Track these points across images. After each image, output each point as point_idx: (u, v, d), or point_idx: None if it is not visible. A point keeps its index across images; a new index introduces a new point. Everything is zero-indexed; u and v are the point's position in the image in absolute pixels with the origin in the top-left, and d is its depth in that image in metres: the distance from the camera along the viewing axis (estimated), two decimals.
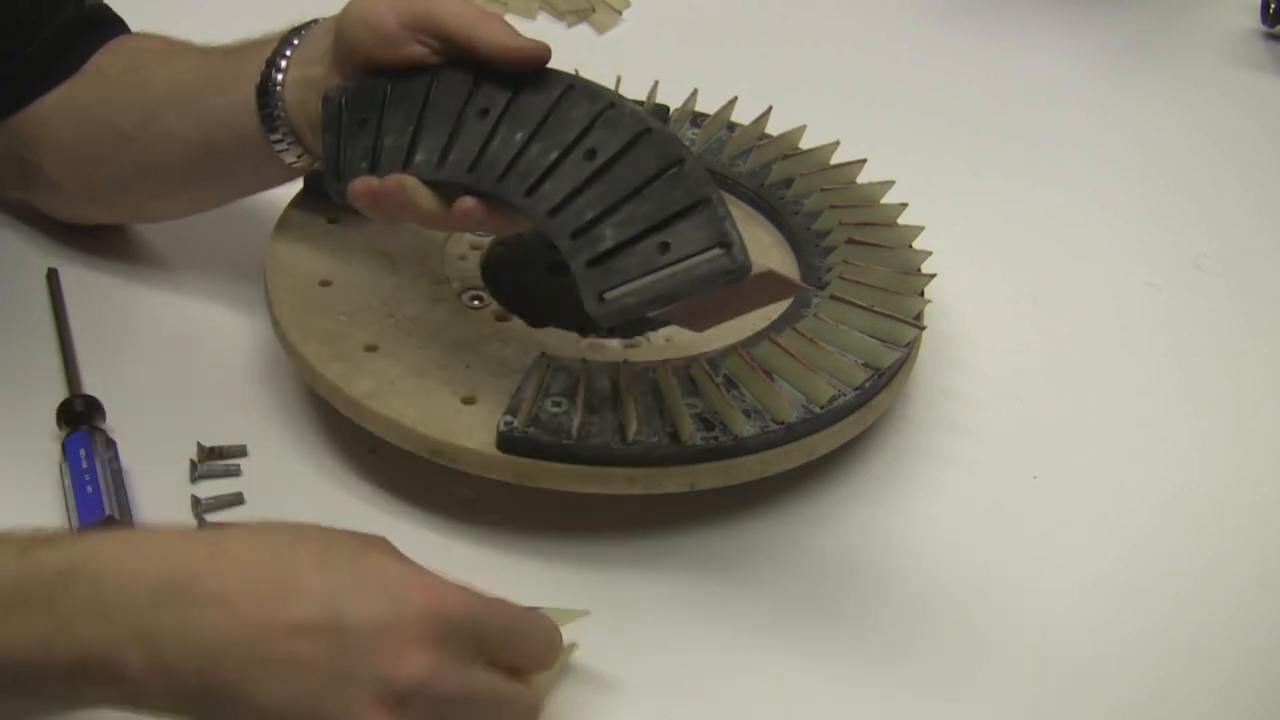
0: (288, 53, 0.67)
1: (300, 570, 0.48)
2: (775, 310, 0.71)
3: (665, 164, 0.58)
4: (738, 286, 0.55)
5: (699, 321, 0.61)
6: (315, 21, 0.69)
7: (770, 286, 0.59)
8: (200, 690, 0.46)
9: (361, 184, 0.62)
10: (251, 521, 0.51)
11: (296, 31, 0.68)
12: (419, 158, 0.63)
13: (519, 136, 0.61)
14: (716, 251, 0.54)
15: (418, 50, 0.64)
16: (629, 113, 0.60)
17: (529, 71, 0.62)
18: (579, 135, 0.61)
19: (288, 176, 0.72)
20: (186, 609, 0.47)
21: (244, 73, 0.68)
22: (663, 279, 0.54)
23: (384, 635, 0.47)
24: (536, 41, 0.62)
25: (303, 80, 0.67)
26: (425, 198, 0.62)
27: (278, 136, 0.68)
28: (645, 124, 0.59)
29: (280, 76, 0.67)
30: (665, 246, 0.55)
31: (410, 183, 0.62)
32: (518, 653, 0.52)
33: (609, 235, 0.57)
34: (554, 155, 0.60)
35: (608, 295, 0.55)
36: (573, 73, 0.63)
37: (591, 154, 0.60)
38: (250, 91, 0.67)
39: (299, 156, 0.69)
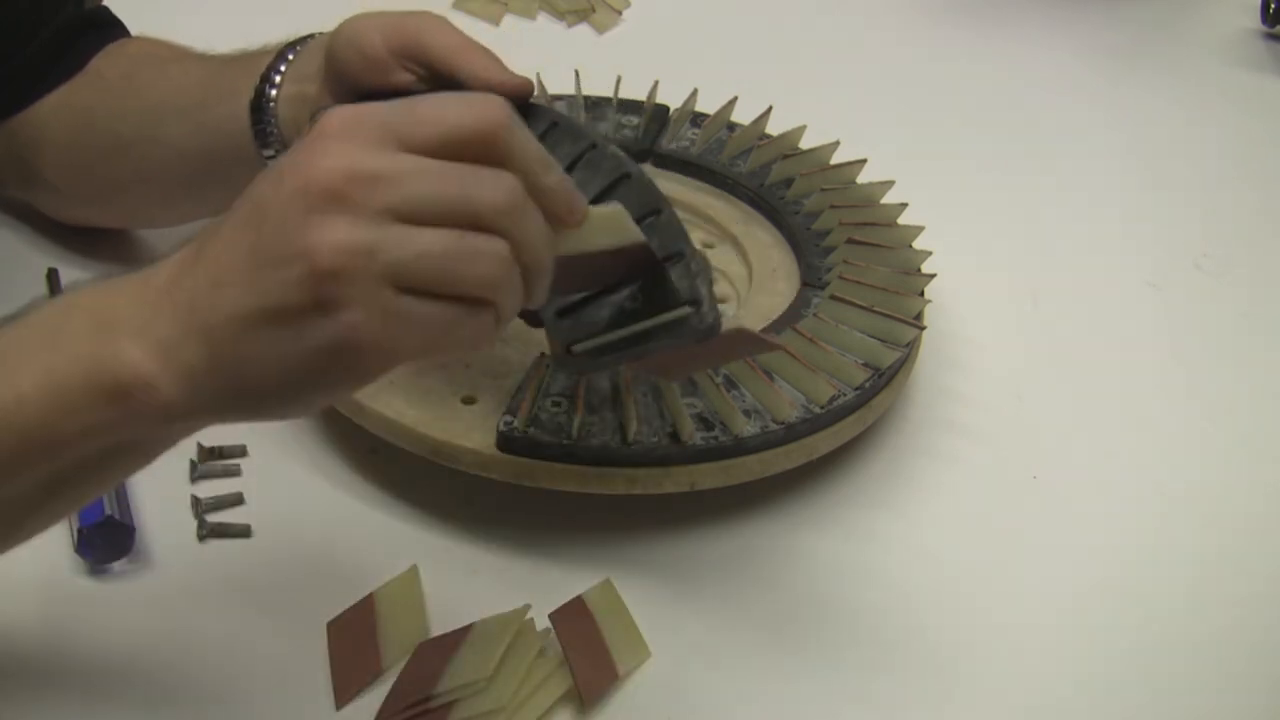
0: (282, 68, 0.67)
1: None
2: (775, 310, 0.72)
3: (642, 213, 0.57)
4: (708, 343, 0.55)
5: (668, 374, 0.61)
6: (312, 37, 0.68)
7: (741, 343, 0.59)
8: (203, 351, 0.45)
9: None
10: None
11: (292, 47, 0.68)
12: None
13: None
14: (685, 310, 0.54)
15: (404, 77, 0.63)
16: (610, 155, 0.60)
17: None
18: None
19: None
20: (161, 296, 0.46)
21: (241, 85, 0.68)
22: (632, 333, 0.54)
23: (288, 170, 0.45)
24: (520, 76, 0.62)
25: (297, 96, 0.66)
26: None
27: (271, 152, 0.67)
28: (625, 169, 0.59)
29: (274, 92, 0.67)
30: (635, 299, 0.54)
31: None
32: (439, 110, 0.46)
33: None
34: None
35: (575, 348, 0.55)
36: (556, 109, 0.63)
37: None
38: (246, 105, 0.67)
39: None
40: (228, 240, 0.46)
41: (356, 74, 0.63)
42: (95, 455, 0.47)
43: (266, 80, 0.67)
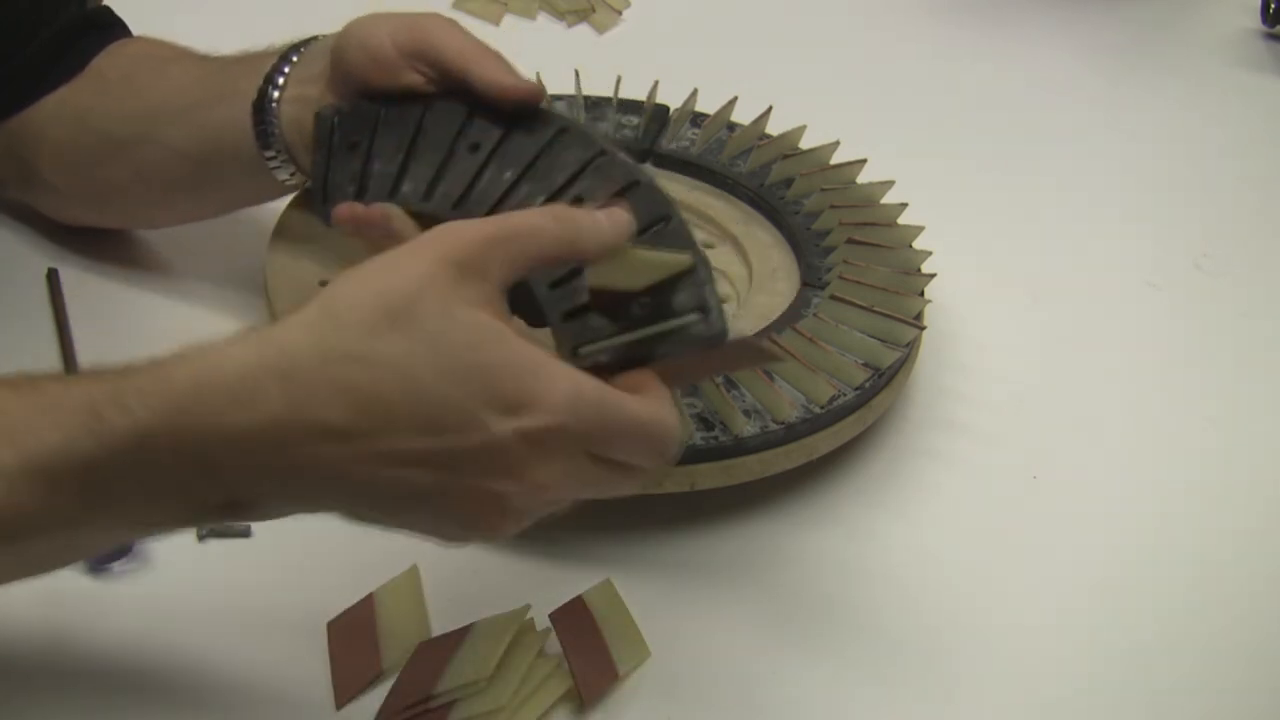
0: (286, 70, 0.67)
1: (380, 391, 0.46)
2: (775, 310, 0.72)
3: (651, 219, 0.58)
4: (712, 351, 0.55)
5: (671, 382, 0.61)
6: (316, 39, 0.68)
7: (746, 353, 0.59)
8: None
9: (347, 210, 0.61)
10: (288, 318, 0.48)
11: (296, 48, 0.68)
12: (406, 188, 0.63)
13: (508, 175, 0.61)
14: (694, 316, 0.54)
15: (413, 78, 0.63)
16: (620, 162, 0.60)
17: (522, 110, 0.62)
18: (568, 180, 0.60)
19: (282, 192, 0.71)
20: (284, 455, 0.45)
21: (242, 87, 0.68)
22: (637, 340, 0.54)
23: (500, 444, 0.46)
24: (531, 82, 0.62)
25: (300, 98, 0.66)
26: (409, 229, 0.61)
27: (272, 153, 0.67)
28: (635, 176, 0.59)
29: (277, 94, 0.67)
30: (644, 304, 0.55)
31: (395, 213, 0.60)
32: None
33: (588, 289, 0.57)
34: (541, 199, 0.60)
35: (581, 351, 0.55)
36: (568, 116, 0.63)
37: (578, 202, 0.60)
38: (247, 107, 0.67)
39: (291, 174, 0.69)
40: (412, 421, 0.46)
41: (364, 74, 0.63)
42: (121, 522, 0.48)
43: (270, 81, 0.67)
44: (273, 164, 0.68)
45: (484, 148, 0.62)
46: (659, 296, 0.54)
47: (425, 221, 0.61)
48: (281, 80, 0.67)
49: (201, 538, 0.63)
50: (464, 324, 0.46)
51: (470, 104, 0.63)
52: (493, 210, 0.61)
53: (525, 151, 0.62)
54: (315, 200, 0.65)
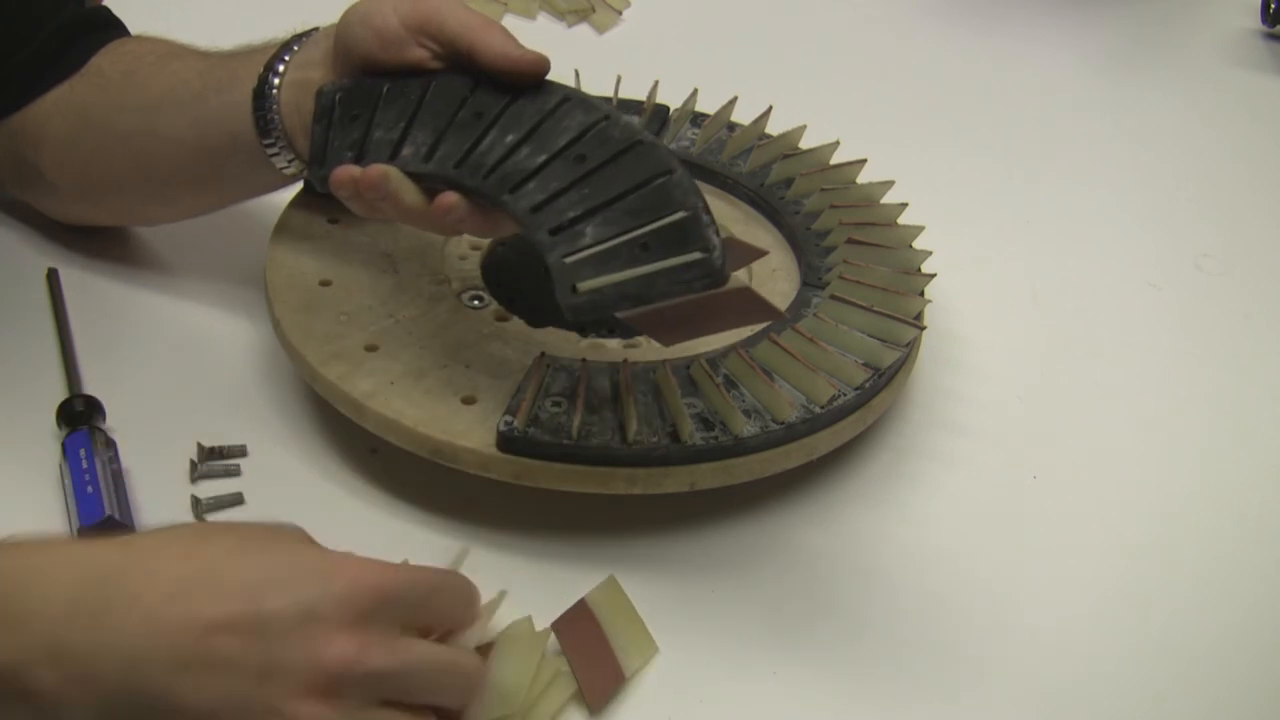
0: (287, 57, 0.67)
1: (215, 566, 0.48)
2: None
3: (654, 173, 0.58)
4: (713, 299, 0.55)
5: (669, 334, 0.61)
6: (317, 29, 0.68)
7: (745, 306, 0.59)
8: (126, 700, 0.46)
9: (344, 172, 0.62)
10: (160, 526, 0.51)
11: (298, 38, 0.68)
12: (406, 151, 0.62)
13: (510, 139, 0.61)
14: (697, 254, 0.54)
15: (419, 53, 0.64)
16: (623, 125, 0.60)
17: (529, 82, 0.62)
18: (570, 142, 0.60)
19: (282, 183, 0.72)
20: (101, 618, 0.46)
21: (241, 76, 0.68)
22: (639, 275, 0.54)
23: (304, 622, 0.47)
24: (537, 53, 0.62)
25: (300, 82, 0.67)
26: (408, 191, 0.61)
27: (270, 140, 0.68)
28: (638, 136, 0.59)
29: (277, 80, 0.67)
30: (645, 247, 0.55)
31: (394, 174, 0.61)
32: (440, 614, 0.52)
33: (589, 234, 0.57)
34: (542, 158, 0.60)
35: (580, 286, 0.54)
36: (571, 85, 0.63)
37: (581, 159, 0.60)
38: (247, 94, 0.67)
39: (290, 162, 0.69)
40: (212, 625, 0.47)
41: (370, 50, 0.64)
42: None
43: (270, 69, 0.67)
44: (271, 151, 0.68)
45: (487, 116, 0.62)
46: (662, 238, 0.54)
47: (425, 185, 0.61)
48: (282, 67, 0.67)
49: None
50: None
51: (475, 78, 0.63)
52: (492, 171, 0.61)
53: (528, 118, 0.62)
54: (311, 167, 0.64)
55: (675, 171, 0.58)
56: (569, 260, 0.56)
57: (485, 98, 0.63)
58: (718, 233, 0.55)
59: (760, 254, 0.63)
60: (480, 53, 0.62)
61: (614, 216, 0.57)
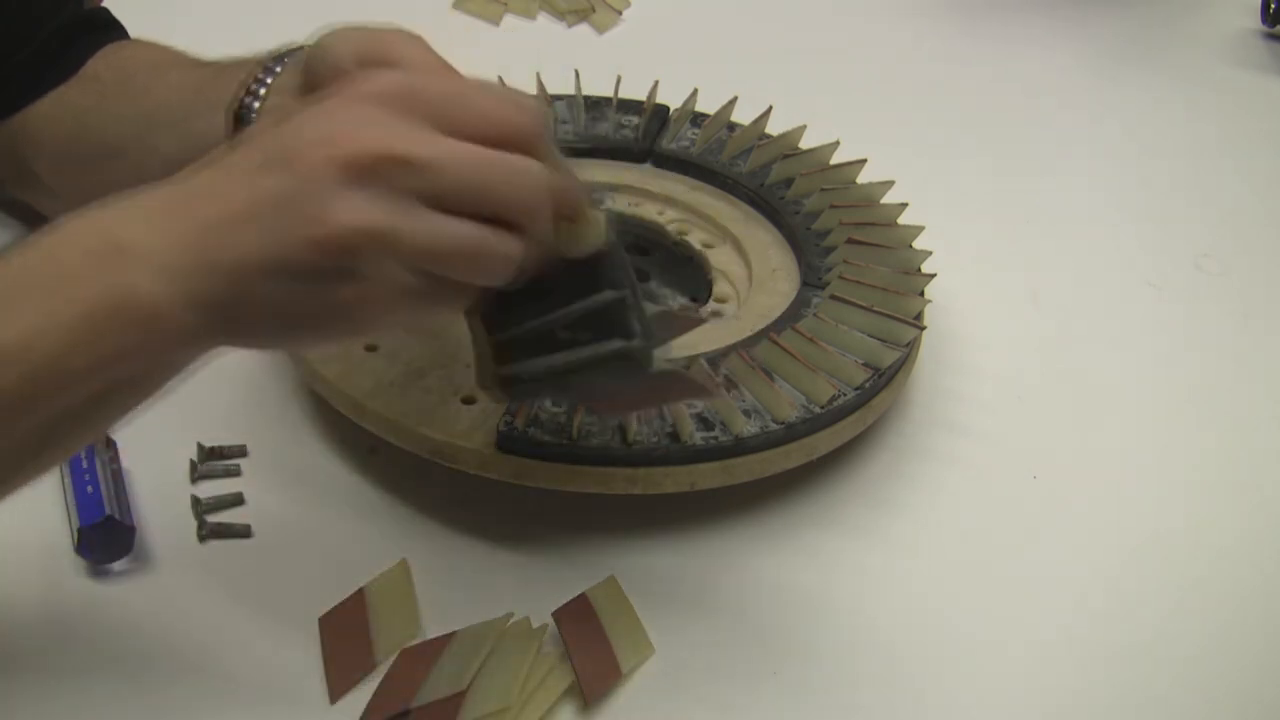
0: (269, 80, 0.67)
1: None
2: (775, 310, 0.72)
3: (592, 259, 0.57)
4: (644, 383, 0.55)
5: (613, 412, 0.61)
6: (300, 48, 0.68)
7: (679, 386, 0.59)
8: (208, 284, 0.46)
9: None
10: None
11: (279, 59, 0.67)
12: None
13: None
14: (619, 343, 0.54)
15: None
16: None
17: None
18: None
19: None
20: (153, 222, 0.47)
21: (229, 96, 0.67)
22: (560, 358, 0.54)
23: (324, 121, 0.47)
24: None
25: (278, 108, 0.66)
26: None
27: None
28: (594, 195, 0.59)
29: (257, 104, 0.66)
30: (573, 331, 0.54)
31: None
32: (487, 120, 0.49)
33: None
34: None
35: (502, 371, 0.54)
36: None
37: None
38: (231, 116, 0.67)
39: None
40: (247, 178, 0.47)
41: (325, 85, 0.63)
42: (100, 391, 0.47)
43: (250, 91, 0.66)
44: None
45: None
46: (588, 323, 0.54)
47: None
48: (262, 91, 0.66)
49: (202, 538, 0.63)
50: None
51: None
52: None
53: None
54: None
55: (611, 252, 0.55)
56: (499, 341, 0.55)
57: None
58: (642, 317, 0.54)
59: (697, 324, 0.63)
60: None
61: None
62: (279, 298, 0.47)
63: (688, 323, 0.61)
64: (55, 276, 0.46)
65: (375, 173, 0.46)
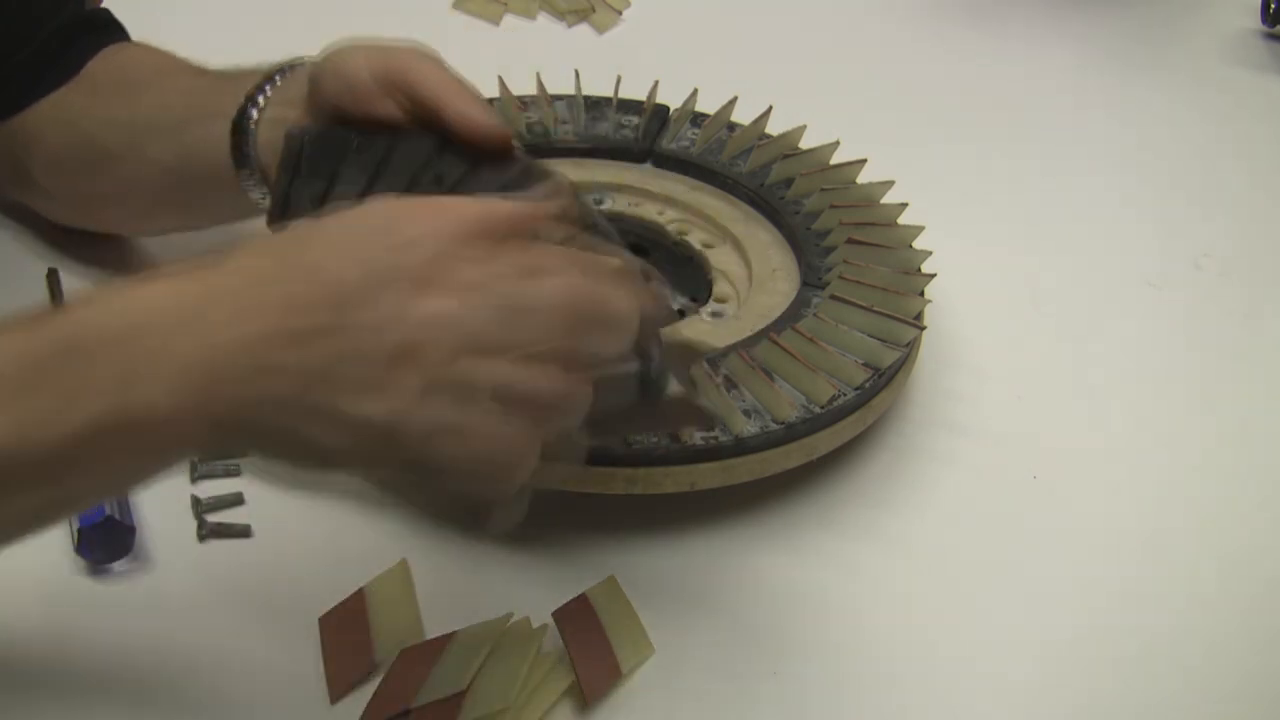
0: (269, 91, 0.66)
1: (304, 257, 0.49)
2: (775, 310, 0.72)
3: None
4: (657, 407, 0.55)
5: (614, 434, 0.62)
6: (301, 62, 0.68)
7: (690, 415, 0.59)
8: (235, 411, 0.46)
9: None
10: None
11: (281, 70, 0.67)
12: None
13: None
14: (635, 364, 0.54)
15: (388, 108, 0.62)
16: (581, 203, 0.60)
17: (490, 150, 0.61)
18: None
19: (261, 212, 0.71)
20: (202, 336, 0.46)
21: (226, 106, 0.67)
22: None
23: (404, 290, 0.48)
24: (500, 126, 0.61)
25: (278, 120, 0.65)
26: None
27: (247, 173, 0.67)
28: (591, 219, 0.59)
29: (256, 114, 0.66)
30: None
31: None
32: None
33: None
34: None
35: None
36: (535, 160, 0.62)
37: (534, 237, 0.59)
38: (229, 125, 0.67)
39: (263, 195, 0.68)
40: (309, 300, 0.47)
41: (340, 102, 0.62)
42: (105, 484, 0.48)
43: (251, 101, 0.66)
44: (247, 184, 0.67)
45: (448, 180, 0.61)
46: None
47: None
48: (262, 101, 0.66)
49: (202, 538, 0.63)
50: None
51: (441, 140, 0.62)
52: None
53: (487, 186, 0.61)
54: (271, 217, 0.63)
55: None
56: None
57: (449, 161, 0.62)
58: (659, 342, 0.54)
59: (701, 356, 0.64)
60: (446, 113, 0.61)
61: None
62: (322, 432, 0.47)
63: (692, 355, 0.61)
64: (74, 381, 0.45)
65: (440, 360, 0.47)
